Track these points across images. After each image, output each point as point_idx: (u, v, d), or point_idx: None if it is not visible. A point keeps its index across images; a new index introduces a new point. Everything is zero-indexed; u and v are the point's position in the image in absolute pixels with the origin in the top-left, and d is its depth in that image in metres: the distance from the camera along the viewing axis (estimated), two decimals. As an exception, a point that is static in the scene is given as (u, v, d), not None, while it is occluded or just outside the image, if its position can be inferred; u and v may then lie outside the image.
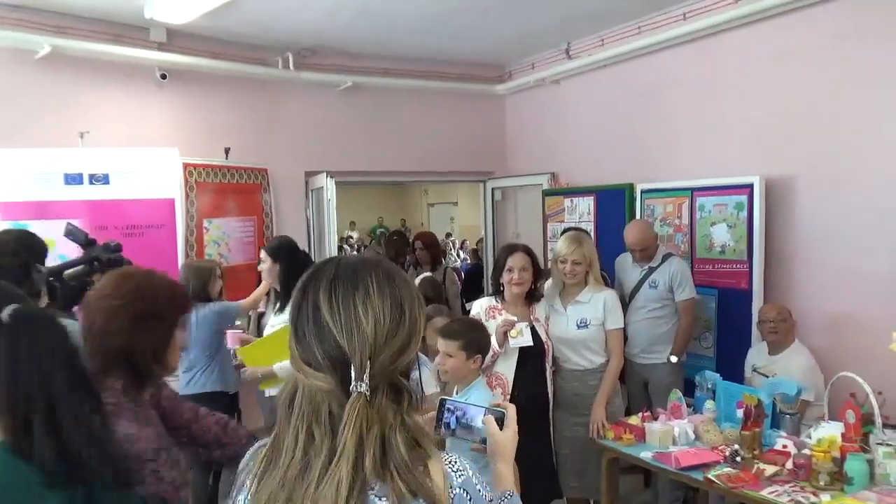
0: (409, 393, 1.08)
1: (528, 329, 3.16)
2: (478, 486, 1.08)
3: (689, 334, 3.98)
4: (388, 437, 1.02)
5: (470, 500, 1.05)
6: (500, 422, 1.42)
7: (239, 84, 5.42)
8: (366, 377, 1.02)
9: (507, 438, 1.40)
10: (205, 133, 5.23)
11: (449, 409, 1.49)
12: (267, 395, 3.59)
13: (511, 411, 1.45)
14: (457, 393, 2.70)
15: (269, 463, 1.07)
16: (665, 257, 3.97)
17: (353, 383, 1.02)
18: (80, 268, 2.68)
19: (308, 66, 5.68)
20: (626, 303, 3.97)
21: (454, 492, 1.04)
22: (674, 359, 3.88)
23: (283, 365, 3.42)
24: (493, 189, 6.68)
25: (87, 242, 2.79)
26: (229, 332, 3.67)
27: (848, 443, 2.64)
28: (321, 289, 1.07)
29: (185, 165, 4.70)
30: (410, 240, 6.47)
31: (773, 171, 4.10)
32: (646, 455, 2.98)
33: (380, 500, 1.00)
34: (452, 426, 1.48)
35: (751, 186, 4.06)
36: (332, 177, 5.47)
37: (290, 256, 3.68)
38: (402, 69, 6.06)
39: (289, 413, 1.06)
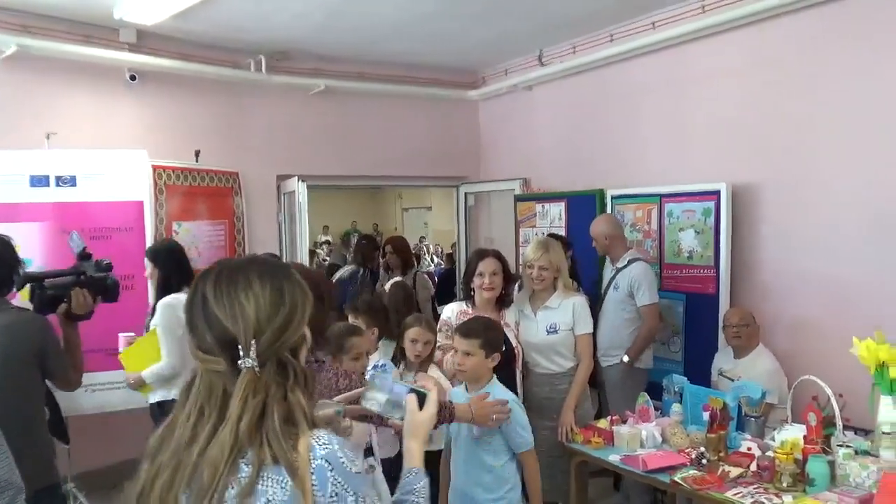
0: (296, 371, 1.21)
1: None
2: (342, 459, 1.16)
3: (646, 339, 3.96)
4: (268, 407, 1.15)
5: (332, 470, 1.14)
6: (423, 403, 1.53)
7: (210, 86, 5.38)
8: (252, 354, 1.16)
9: (423, 418, 1.52)
10: (175, 135, 5.17)
11: (377, 387, 1.58)
12: (150, 402, 3.55)
13: (433, 395, 1.56)
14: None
15: (163, 442, 1.20)
16: (631, 261, 4.02)
17: (241, 360, 1.16)
18: (65, 278, 2.69)
19: (280, 69, 5.65)
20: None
21: (315, 462, 1.14)
22: (625, 358, 3.91)
23: (152, 370, 3.39)
24: (466, 194, 6.71)
25: (81, 255, 2.78)
26: (121, 335, 3.60)
27: (810, 445, 2.69)
28: (208, 283, 1.22)
29: (155, 168, 4.63)
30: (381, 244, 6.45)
31: (739, 178, 4.18)
32: (614, 458, 3.01)
33: (246, 466, 1.12)
34: (375, 402, 1.57)
35: (718, 193, 4.13)
36: (304, 181, 5.45)
37: (169, 260, 3.63)
38: (376, 73, 6.06)
39: (185, 398, 1.20)
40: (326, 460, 1.15)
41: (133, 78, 4.97)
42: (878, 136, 3.58)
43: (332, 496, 1.14)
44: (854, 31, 3.68)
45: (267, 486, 1.12)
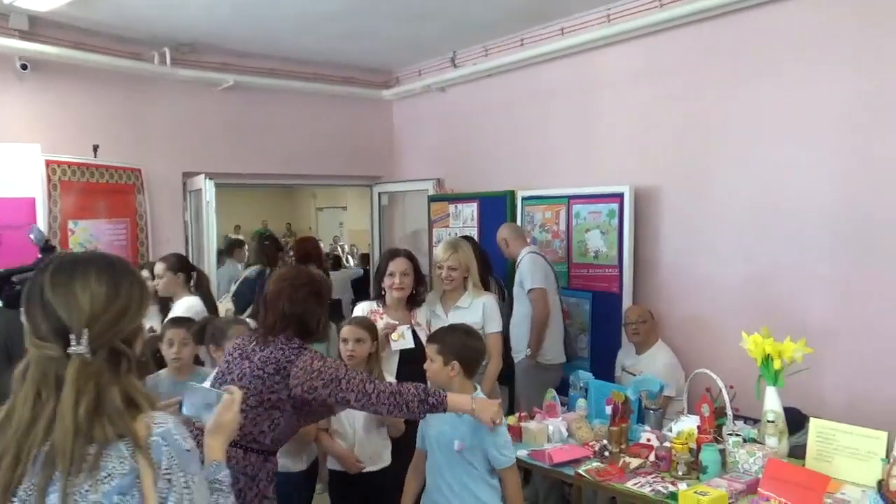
0: (129, 359, 1.32)
1: (410, 332, 3.19)
2: (176, 437, 1.29)
3: (538, 326, 3.98)
4: (104, 391, 1.25)
5: (166, 446, 1.27)
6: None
7: (110, 79, 5.14)
8: (84, 342, 1.25)
9: (225, 419, 1.67)
10: (71, 129, 4.91)
11: (192, 392, 1.78)
12: None
13: (237, 395, 1.72)
14: None
15: (1, 430, 1.26)
16: (524, 256, 4.14)
17: (72, 347, 1.25)
18: (29, 273, 2.78)
19: (186, 63, 5.46)
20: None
21: (152, 439, 1.26)
22: (528, 352, 4.01)
23: None
24: (380, 194, 6.69)
25: (44, 248, 3.02)
26: None
27: (703, 434, 2.84)
28: (47, 275, 1.29)
29: (48, 163, 4.39)
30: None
31: (642, 180, 4.36)
32: (522, 453, 3.06)
33: (89, 445, 1.22)
34: (191, 407, 1.74)
35: (622, 195, 4.29)
36: (211, 178, 5.29)
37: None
38: (288, 70, 5.95)
39: (22, 383, 1.27)
40: (162, 437, 1.27)
41: (24, 67, 4.68)
42: (764, 143, 3.82)
43: (166, 470, 1.26)
44: (744, 43, 3.91)
45: (108, 461, 1.22)
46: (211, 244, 5.41)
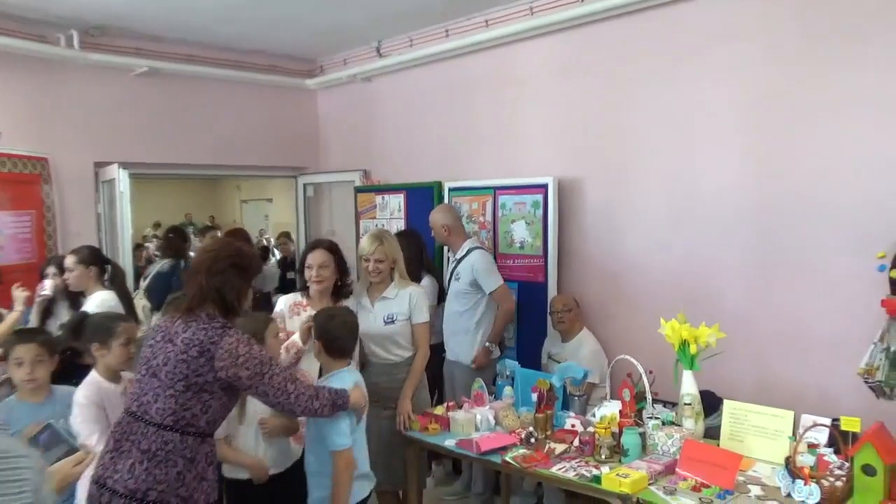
0: None
1: None
2: None
3: (505, 319, 4.06)
4: None
5: None
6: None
7: (12, 62, 4.83)
8: None
9: (64, 470, 1.91)
10: (-31, 116, 4.60)
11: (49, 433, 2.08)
12: None
13: (88, 459, 2.00)
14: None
15: None
16: (470, 250, 4.12)
17: None
18: None
19: (97, 47, 5.19)
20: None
21: None
22: (492, 347, 4.02)
23: None
24: (305, 185, 6.57)
25: None
26: None
27: (624, 418, 2.92)
28: None
29: (-57, 151, 4.10)
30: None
31: (565, 172, 4.43)
32: (450, 443, 3.08)
33: None
34: (44, 442, 2.03)
35: (545, 186, 4.35)
36: (125, 168, 5.06)
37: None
38: (208, 56, 5.75)
39: None
40: None
41: (-86, 48, 4.35)
42: (678, 137, 3.95)
43: None
44: (661, 39, 4.02)
45: None
46: (126, 237, 5.17)
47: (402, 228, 4.93)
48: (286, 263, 7.32)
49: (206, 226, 12.42)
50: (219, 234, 7.14)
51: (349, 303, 3.37)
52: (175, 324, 2.25)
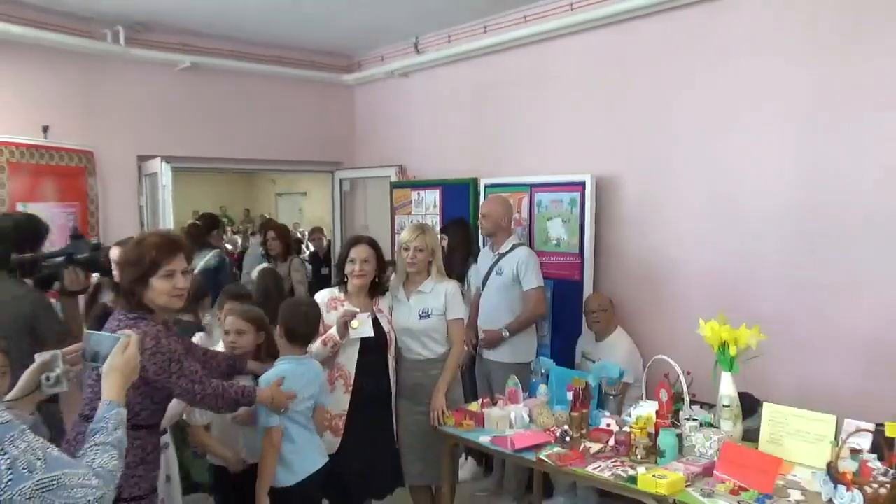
0: None
1: (370, 320, 3.16)
2: None
3: (529, 319, 4.04)
4: None
5: None
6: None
7: (61, 57, 4.96)
8: None
9: (116, 361, 1.82)
10: (20, 109, 4.75)
11: (88, 342, 1.94)
12: None
13: (133, 338, 1.89)
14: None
15: None
16: (515, 246, 4.09)
17: None
18: (56, 259, 3.10)
19: (141, 42, 5.31)
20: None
21: None
22: (505, 333, 3.98)
23: None
24: (341, 180, 6.62)
25: (73, 236, 3.32)
26: None
27: (661, 419, 2.89)
28: None
29: (-5, 143, 4.23)
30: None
31: (602, 169, 4.40)
32: (484, 439, 3.09)
33: None
34: (89, 355, 1.92)
35: (583, 184, 4.33)
36: (167, 162, 5.16)
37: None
38: (248, 52, 5.84)
39: None
40: None
41: (-31, 43, 4.49)
42: (719, 134, 3.89)
43: None
44: (704, 35, 3.96)
45: None
46: (168, 228, 5.28)
47: (455, 217, 4.89)
48: (318, 258, 7.38)
49: (267, 219, 12.36)
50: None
51: (384, 299, 3.39)
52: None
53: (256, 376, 2.80)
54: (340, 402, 3.19)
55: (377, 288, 3.38)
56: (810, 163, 3.55)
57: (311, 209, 14.36)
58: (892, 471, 2.29)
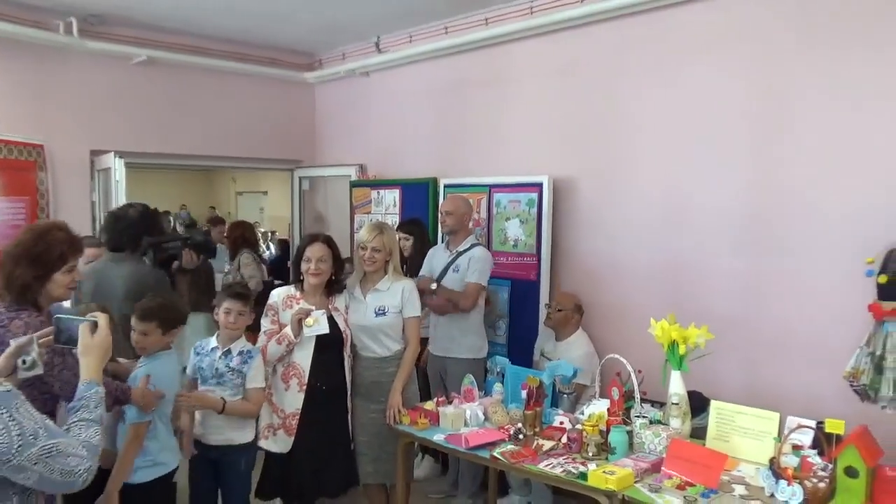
0: None
1: (325, 317, 3.15)
2: None
3: (455, 298, 3.91)
4: None
5: None
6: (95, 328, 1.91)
7: (10, 48, 4.82)
8: None
9: (94, 342, 1.89)
10: (-35, 100, 4.59)
11: (59, 327, 1.99)
12: None
13: (102, 320, 1.92)
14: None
15: None
16: (474, 245, 4.10)
17: None
18: (174, 242, 3.79)
19: (96, 35, 5.18)
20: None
21: None
22: (433, 285, 3.94)
23: None
24: (301, 178, 6.57)
25: (188, 224, 4.61)
26: None
27: (613, 417, 2.94)
28: None
29: (-62, 135, 4.09)
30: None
31: (560, 171, 4.45)
32: (439, 438, 3.09)
33: None
34: (63, 338, 1.98)
35: (541, 185, 4.37)
36: (121, 157, 5.06)
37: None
38: (207, 48, 5.76)
39: None
40: None
41: (-88, 31, 4.34)
42: (672, 138, 3.97)
43: None
44: (659, 41, 4.03)
45: None
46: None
47: (411, 217, 4.86)
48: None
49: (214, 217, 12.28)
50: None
51: (341, 297, 3.39)
52: None
53: (115, 376, 2.72)
54: (295, 400, 3.18)
55: (334, 286, 3.37)
56: (756, 167, 3.65)
57: (272, 208, 14.21)
58: (830, 466, 2.36)
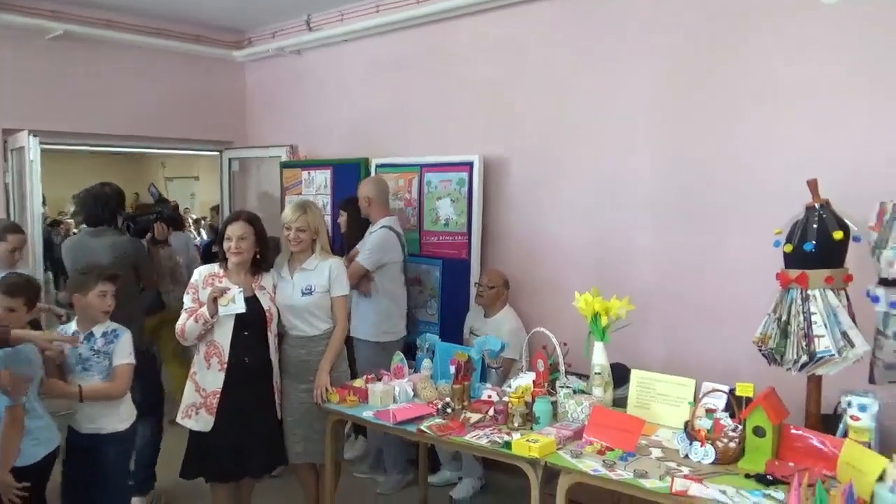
0: None
1: (241, 295, 3.08)
2: None
3: (353, 274, 3.84)
4: None
5: None
6: None
7: None
8: None
9: None
10: None
11: None
12: None
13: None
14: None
15: None
16: (383, 226, 4.07)
17: None
18: (148, 216, 4.24)
19: (8, 7, 4.92)
20: None
21: None
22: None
23: None
24: (230, 160, 6.41)
25: (158, 200, 4.80)
26: None
27: (538, 388, 3.00)
28: None
29: None
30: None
31: (491, 151, 4.47)
32: (367, 414, 3.09)
33: None
34: None
35: (471, 164, 4.39)
36: (36, 136, 4.83)
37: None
38: (129, 23, 5.54)
39: None
40: None
41: None
42: (601, 118, 4.04)
43: None
44: (589, 23, 4.09)
45: None
46: (35, 208, 4.95)
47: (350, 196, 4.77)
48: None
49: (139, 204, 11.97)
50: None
51: (268, 276, 3.33)
52: None
53: None
54: (216, 379, 3.12)
55: (261, 265, 3.31)
56: (678, 148, 3.75)
57: (204, 193, 13.85)
58: (740, 426, 2.47)
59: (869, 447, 2.22)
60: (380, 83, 5.24)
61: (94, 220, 3.81)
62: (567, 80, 4.19)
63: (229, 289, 3.09)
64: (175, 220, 4.57)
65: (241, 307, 3.08)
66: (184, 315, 3.16)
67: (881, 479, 2.05)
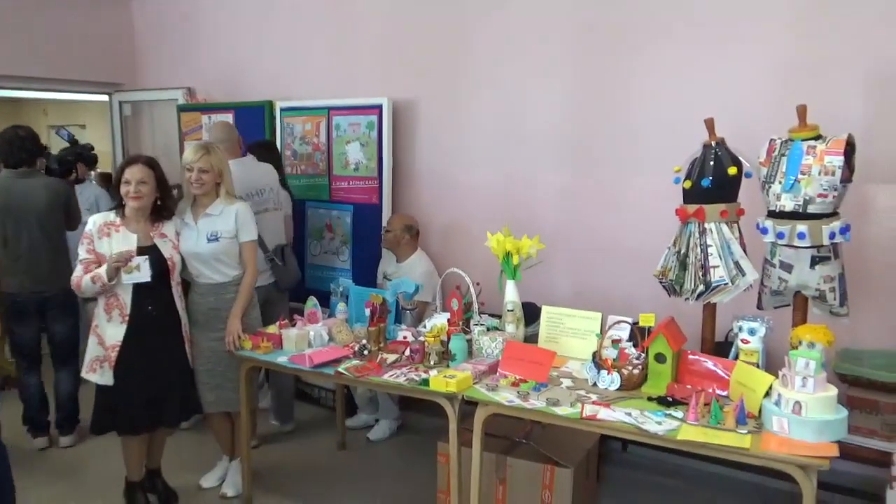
0: None
1: (147, 262, 2.94)
2: None
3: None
4: None
5: None
6: None
7: None
8: None
9: None
10: None
11: None
12: None
13: None
14: None
15: None
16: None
17: None
18: (69, 157, 4.75)
19: None
20: None
21: None
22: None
23: None
24: (121, 103, 6.02)
25: (72, 142, 4.99)
26: None
27: (453, 327, 3.05)
28: None
29: None
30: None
31: (401, 93, 4.41)
32: (282, 360, 3.06)
33: None
34: None
35: (380, 107, 4.31)
36: None
37: None
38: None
39: None
40: None
41: None
42: (508, 61, 4.06)
43: None
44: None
45: None
46: None
47: (261, 139, 4.54)
48: None
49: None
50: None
51: (170, 223, 3.18)
52: None
53: None
54: (117, 332, 3.01)
55: (162, 212, 3.16)
56: (583, 91, 3.84)
57: (92, 142, 12.96)
58: (643, 354, 2.61)
59: (757, 367, 2.41)
60: (284, 21, 5.01)
61: (13, 163, 3.81)
62: (475, 21, 4.17)
63: (133, 255, 2.94)
64: (94, 161, 4.94)
65: (146, 276, 2.94)
66: (79, 267, 2.99)
67: (768, 395, 2.24)
